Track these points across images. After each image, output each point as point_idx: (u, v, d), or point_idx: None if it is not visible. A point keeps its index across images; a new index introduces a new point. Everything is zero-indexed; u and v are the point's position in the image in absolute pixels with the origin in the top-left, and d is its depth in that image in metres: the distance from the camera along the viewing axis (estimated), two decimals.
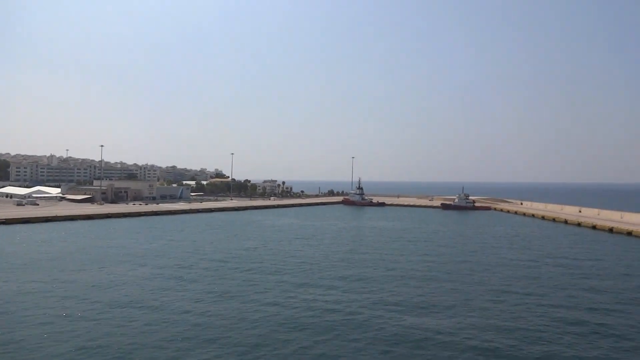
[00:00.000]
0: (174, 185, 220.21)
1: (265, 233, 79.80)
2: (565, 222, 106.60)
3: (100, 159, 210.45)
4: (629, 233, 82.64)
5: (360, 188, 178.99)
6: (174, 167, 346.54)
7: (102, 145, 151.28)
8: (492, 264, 52.14)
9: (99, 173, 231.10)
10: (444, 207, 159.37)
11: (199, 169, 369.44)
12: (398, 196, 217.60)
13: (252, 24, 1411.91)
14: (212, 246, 62.75)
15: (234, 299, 35.37)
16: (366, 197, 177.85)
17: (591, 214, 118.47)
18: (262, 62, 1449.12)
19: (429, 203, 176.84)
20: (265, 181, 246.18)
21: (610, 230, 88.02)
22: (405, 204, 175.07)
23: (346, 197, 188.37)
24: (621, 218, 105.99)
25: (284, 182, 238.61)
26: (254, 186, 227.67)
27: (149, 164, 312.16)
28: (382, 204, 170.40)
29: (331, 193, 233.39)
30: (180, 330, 27.87)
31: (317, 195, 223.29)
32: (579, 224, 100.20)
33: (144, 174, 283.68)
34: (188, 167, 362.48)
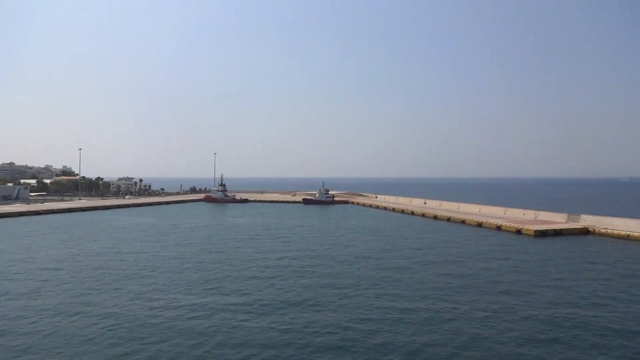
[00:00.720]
0: (10, 184, 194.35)
1: (114, 234, 73.92)
2: (412, 213, 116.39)
3: None
4: (463, 221, 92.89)
5: (222, 185, 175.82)
6: (11, 164, 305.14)
7: None
8: (343, 257, 54.37)
9: None
10: (306, 202, 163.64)
11: (43, 165, 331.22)
12: (262, 192, 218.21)
13: (97, 14, 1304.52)
14: (47, 252, 56.18)
15: (62, 311, 31.74)
16: (229, 194, 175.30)
17: (434, 205, 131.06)
18: (117, 51, 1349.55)
19: (291, 198, 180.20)
20: (120, 179, 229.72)
21: (448, 219, 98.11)
22: (269, 199, 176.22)
23: (208, 194, 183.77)
24: (457, 208, 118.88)
25: (141, 180, 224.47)
26: (107, 184, 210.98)
27: None
28: (245, 201, 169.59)
29: (193, 190, 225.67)
30: None
31: (178, 193, 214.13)
32: (423, 215, 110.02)
33: None
34: (30, 164, 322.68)
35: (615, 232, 72.27)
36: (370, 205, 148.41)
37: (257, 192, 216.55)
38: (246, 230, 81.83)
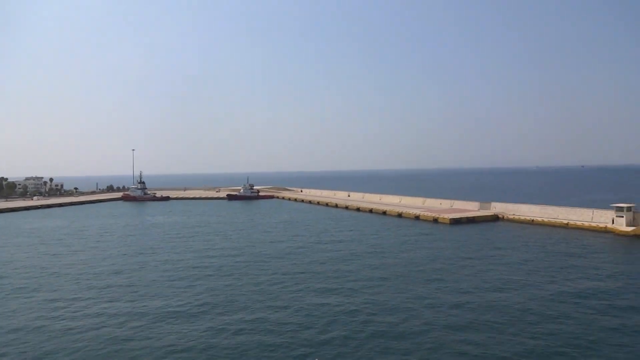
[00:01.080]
0: None
1: (17, 239, 68.36)
2: (336, 206, 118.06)
3: None
4: (384, 213, 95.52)
5: (142, 182, 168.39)
6: None
7: None
8: (265, 253, 53.87)
9: None
10: (230, 197, 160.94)
11: None
12: (185, 189, 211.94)
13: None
14: None
15: None
16: (149, 192, 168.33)
17: (357, 198, 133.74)
18: (22, 44, 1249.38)
19: (215, 194, 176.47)
20: (27, 178, 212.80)
21: (370, 211, 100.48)
22: (192, 196, 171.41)
23: (126, 192, 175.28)
24: (380, 200, 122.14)
25: (51, 179, 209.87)
26: (12, 184, 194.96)
27: None
28: (167, 198, 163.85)
29: (111, 189, 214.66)
30: None
31: (93, 192, 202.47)
32: (346, 207, 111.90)
33: None
34: None
35: (522, 217, 77.55)
36: (296, 199, 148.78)
37: (180, 189, 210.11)
38: (166, 229, 78.87)
